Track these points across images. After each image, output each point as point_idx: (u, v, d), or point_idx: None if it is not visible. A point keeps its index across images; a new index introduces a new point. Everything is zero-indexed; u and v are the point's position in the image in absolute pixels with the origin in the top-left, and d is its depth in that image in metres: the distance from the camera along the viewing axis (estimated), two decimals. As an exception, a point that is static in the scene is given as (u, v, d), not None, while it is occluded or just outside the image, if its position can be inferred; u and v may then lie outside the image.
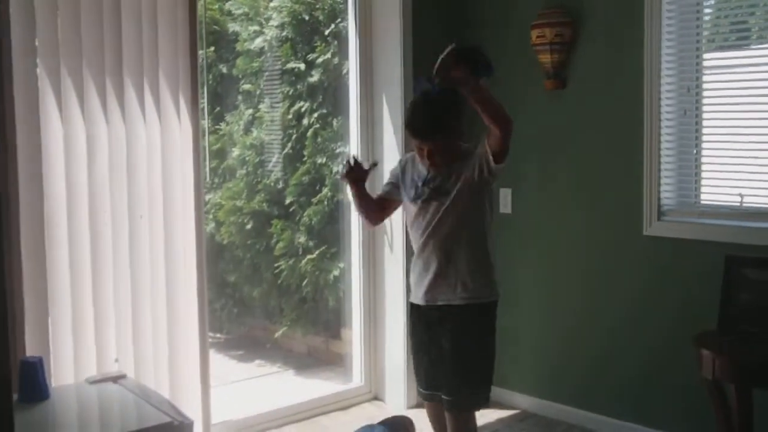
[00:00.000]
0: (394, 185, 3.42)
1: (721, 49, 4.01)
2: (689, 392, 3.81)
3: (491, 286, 3.27)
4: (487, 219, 3.23)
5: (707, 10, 4.00)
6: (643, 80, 3.99)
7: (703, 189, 3.99)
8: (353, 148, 4.75)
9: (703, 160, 3.99)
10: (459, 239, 3.18)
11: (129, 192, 3.59)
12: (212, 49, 5.79)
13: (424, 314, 3.33)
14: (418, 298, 3.34)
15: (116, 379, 3.03)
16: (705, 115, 3.96)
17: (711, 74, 3.95)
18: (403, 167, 3.40)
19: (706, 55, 3.96)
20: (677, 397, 3.97)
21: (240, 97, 5.89)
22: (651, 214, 4.03)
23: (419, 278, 3.31)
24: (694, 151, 4.01)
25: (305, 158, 5.56)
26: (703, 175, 3.99)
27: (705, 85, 3.94)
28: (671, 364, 3.97)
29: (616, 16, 4.13)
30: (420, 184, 3.25)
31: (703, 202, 3.98)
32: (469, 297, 3.20)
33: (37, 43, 3.33)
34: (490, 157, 3.07)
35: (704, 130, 3.97)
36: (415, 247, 3.32)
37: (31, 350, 3.24)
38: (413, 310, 3.41)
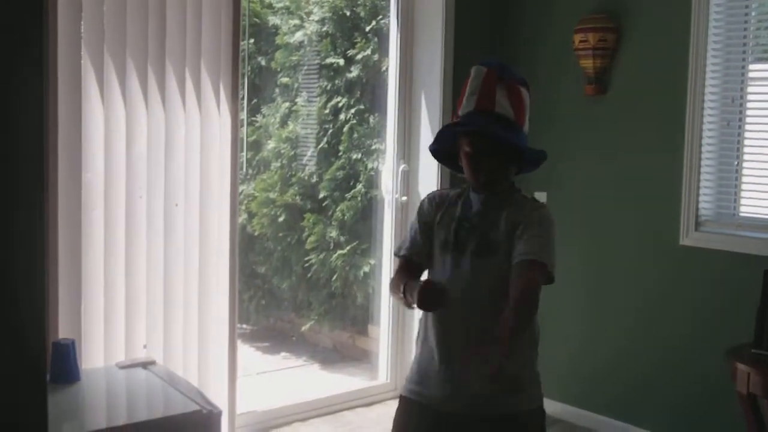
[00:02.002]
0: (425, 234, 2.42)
1: (765, 60, 3.95)
2: (726, 405, 3.75)
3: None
4: None
5: (754, 21, 3.94)
6: (686, 89, 3.94)
7: (742, 201, 3.94)
8: (389, 145, 4.74)
9: (744, 171, 3.93)
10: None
11: (166, 179, 3.61)
12: (252, 41, 5.81)
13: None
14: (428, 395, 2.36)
15: (146, 364, 3.05)
16: (747, 127, 3.90)
17: (756, 85, 3.89)
18: (436, 204, 2.44)
19: (751, 66, 3.90)
20: (714, 410, 3.92)
21: (277, 90, 5.91)
22: (689, 224, 3.98)
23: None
24: (735, 163, 3.95)
25: (340, 153, 5.56)
26: (743, 187, 3.94)
27: (749, 96, 3.89)
28: (708, 376, 3.92)
29: (661, 24, 4.08)
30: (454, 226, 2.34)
31: (741, 214, 3.92)
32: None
33: (83, 29, 3.35)
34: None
35: (746, 142, 3.92)
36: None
37: (63, 333, 3.27)
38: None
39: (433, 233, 2.39)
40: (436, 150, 2.45)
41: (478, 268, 2.28)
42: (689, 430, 4.01)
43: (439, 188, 4.54)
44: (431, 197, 2.47)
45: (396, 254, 2.52)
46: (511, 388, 2.23)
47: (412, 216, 4.89)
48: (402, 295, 2.29)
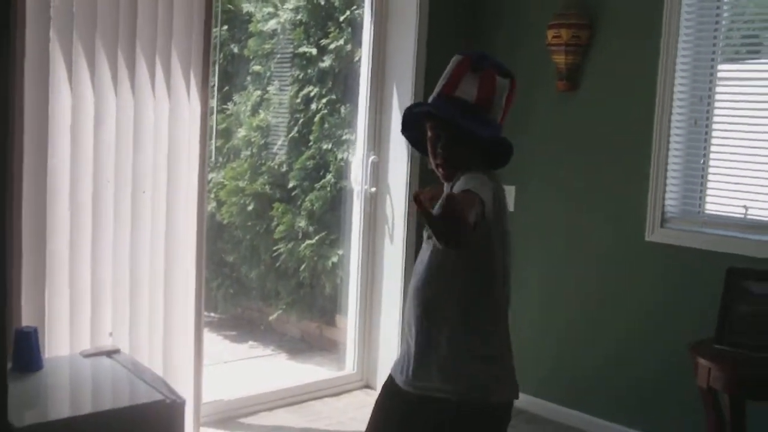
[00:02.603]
0: None
1: (734, 61, 3.99)
2: (686, 399, 3.80)
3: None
4: (475, 285, 2.26)
5: (725, 22, 3.98)
6: (656, 87, 3.98)
7: (708, 199, 3.99)
8: (360, 136, 4.73)
9: (710, 170, 3.98)
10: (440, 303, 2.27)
11: (134, 165, 3.57)
12: (225, 28, 5.77)
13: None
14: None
15: (110, 353, 3.03)
16: (715, 126, 3.95)
17: (724, 86, 3.94)
18: None
19: (720, 66, 3.94)
20: (674, 404, 3.97)
21: (249, 78, 5.88)
22: (654, 220, 4.03)
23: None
24: (702, 161, 4.00)
25: (311, 143, 5.55)
26: (709, 185, 3.99)
27: (717, 96, 3.93)
28: (669, 371, 3.97)
29: (633, 22, 4.11)
30: None
31: (707, 212, 3.98)
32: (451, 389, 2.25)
33: (51, 12, 3.30)
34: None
35: (713, 141, 3.97)
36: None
37: (26, 320, 3.23)
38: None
39: None
40: (410, 137, 2.44)
41: (426, 252, 2.29)
42: (649, 421, 4.05)
43: (407, 180, 4.56)
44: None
45: None
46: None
47: (381, 207, 4.91)
48: None
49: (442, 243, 1.85)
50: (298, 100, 5.62)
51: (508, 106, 2.29)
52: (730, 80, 3.94)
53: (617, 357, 4.20)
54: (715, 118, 3.94)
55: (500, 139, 2.26)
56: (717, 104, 3.93)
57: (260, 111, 5.82)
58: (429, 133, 2.29)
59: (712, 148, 3.97)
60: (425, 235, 2.30)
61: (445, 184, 2.33)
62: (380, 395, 2.44)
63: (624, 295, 4.18)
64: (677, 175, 4.01)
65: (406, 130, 2.42)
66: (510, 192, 4.57)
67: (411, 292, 2.32)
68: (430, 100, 2.31)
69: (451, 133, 2.22)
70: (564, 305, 4.44)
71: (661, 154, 3.99)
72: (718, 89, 3.93)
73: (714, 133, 3.96)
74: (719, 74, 3.93)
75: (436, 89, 2.28)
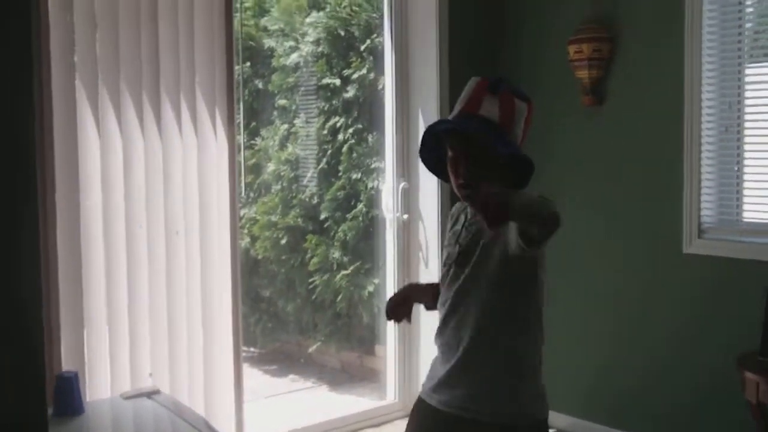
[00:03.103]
0: None
1: (762, 63, 3.93)
2: (729, 413, 3.72)
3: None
4: (531, 304, 2.26)
5: (749, 24, 3.93)
6: (683, 96, 3.93)
7: (745, 207, 3.91)
8: (389, 163, 4.73)
9: (745, 177, 3.91)
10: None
11: (165, 207, 3.60)
12: (248, 64, 5.82)
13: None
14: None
15: (150, 394, 3.02)
16: (747, 131, 3.88)
17: (753, 89, 3.88)
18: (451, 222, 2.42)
19: (748, 69, 3.88)
20: (717, 418, 3.88)
21: (275, 113, 5.92)
22: (691, 232, 3.96)
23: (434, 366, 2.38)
24: (736, 168, 3.94)
25: (340, 173, 5.55)
26: (745, 192, 3.92)
27: (747, 101, 3.87)
28: (711, 384, 3.89)
29: (655, 31, 4.08)
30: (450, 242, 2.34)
31: (745, 220, 3.90)
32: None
33: (75, 58, 3.36)
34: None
35: (746, 147, 3.90)
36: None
37: (66, 365, 3.25)
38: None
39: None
40: (427, 158, 2.39)
41: (467, 278, 2.24)
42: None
43: (439, 205, 4.54)
44: (451, 214, 2.43)
45: None
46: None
47: (414, 233, 4.88)
48: None
49: (538, 242, 2.02)
50: (325, 132, 5.64)
51: (526, 130, 2.26)
52: (759, 83, 3.88)
53: (658, 373, 4.12)
54: (747, 123, 3.88)
55: (525, 157, 2.23)
56: (747, 108, 3.87)
57: (288, 144, 5.85)
58: (450, 153, 2.23)
59: (746, 154, 3.90)
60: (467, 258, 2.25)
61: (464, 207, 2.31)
62: (418, 420, 2.38)
63: (664, 309, 4.11)
64: (712, 184, 3.95)
65: (425, 150, 2.38)
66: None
67: (461, 315, 2.25)
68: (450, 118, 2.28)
69: (475, 152, 2.18)
70: (602, 323, 4.37)
71: (693, 163, 3.93)
72: (747, 93, 3.87)
73: (746, 139, 3.89)
74: (747, 78, 3.87)
75: (456, 109, 2.25)
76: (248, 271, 5.62)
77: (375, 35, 5.21)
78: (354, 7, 5.49)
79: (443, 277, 2.34)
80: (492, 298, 2.20)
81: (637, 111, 4.17)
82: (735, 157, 3.93)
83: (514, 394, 2.21)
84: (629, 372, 4.26)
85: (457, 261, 2.27)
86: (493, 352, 2.20)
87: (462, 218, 2.34)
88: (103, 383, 3.44)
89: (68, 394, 2.75)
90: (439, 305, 2.34)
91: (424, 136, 2.35)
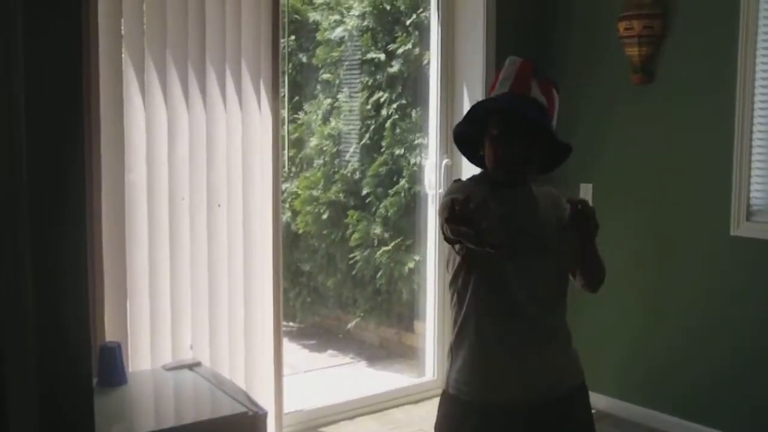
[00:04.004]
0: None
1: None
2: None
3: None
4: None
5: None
6: (736, 75, 3.83)
7: (796, 190, 3.82)
8: (432, 139, 4.69)
9: (798, 159, 3.82)
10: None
11: (208, 179, 3.60)
12: (293, 38, 5.80)
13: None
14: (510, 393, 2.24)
15: (192, 366, 3.05)
16: (802, 113, 3.79)
17: (810, 69, 3.77)
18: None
19: (805, 49, 3.78)
20: (762, 402, 3.82)
21: (319, 87, 5.90)
22: (740, 214, 3.88)
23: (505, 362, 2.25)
24: (789, 150, 3.84)
25: (383, 149, 5.53)
26: (797, 175, 3.83)
27: (803, 81, 3.77)
28: (756, 368, 3.82)
29: (709, 8, 3.97)
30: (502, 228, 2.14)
31: (796, 203, 3.82)
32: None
33: (123, 30, 3.36)
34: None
35: (800, 129, 3.80)
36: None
37: (109, 336, 3.29)
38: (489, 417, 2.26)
39: None
40: (462, 132, 2.31)
41: (540, 269, 2.23)
42: (737, 420, 3.91)
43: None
44: (455, 199, 2.04)
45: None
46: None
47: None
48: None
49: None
50: (369, 107, 5.61)
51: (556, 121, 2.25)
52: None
53: (703, 354, 4.06)
54: (801, 105, 3.78)
55: (570, 146, 2.22)
56: (802, 90, 3.77)
57: (331, 119, 5.83)
58: (495, 131, 2.17)
59: (799, 136, 3.81)
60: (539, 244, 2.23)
61: (507, 190, 2.24)
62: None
63: (710, 291, 4.04)
64: (762, 165, 3.85)
65: (463, 124, 2.30)
66: (587, 189, 4.47)
67: (537, 305, 2.22)
68: (495, 95, 2.23)
69: (527, 132, 2.15)
70: (649, 304, 4.31)
71: (744, 143, 3.84)
72: (803, 74, 3.77)
73: (800, 121, 3.79)
74: (804, 58, 3.77)
75: (502, 86, 2.20)
76: (288, 246, 5.63)
77: (421, 10, 5.16)
78: (400, -18, 5.44)
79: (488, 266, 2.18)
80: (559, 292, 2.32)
81: (687, 90, 4.07)
82: (788, 138, 3.83)
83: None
84: (672, 352, 4.21)
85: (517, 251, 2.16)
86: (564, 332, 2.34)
87: (494, 201, 2.17)
88: (144, 355, 3.47)
89: (112, 365, 2.79)
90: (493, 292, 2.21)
91: (473, 112, 2.29)
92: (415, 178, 5.22)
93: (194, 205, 3.57)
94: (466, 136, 2.31)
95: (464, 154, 2.38)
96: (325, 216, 5.75)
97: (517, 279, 2.19)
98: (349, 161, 5.80)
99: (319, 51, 5.76)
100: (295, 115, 5.93)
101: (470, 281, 2.22)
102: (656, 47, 4.13)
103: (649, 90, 4.20)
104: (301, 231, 5.88)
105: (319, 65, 5.82)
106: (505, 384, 2.23)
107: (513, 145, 2.16)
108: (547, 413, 2.22)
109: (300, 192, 5.83)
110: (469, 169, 4.54)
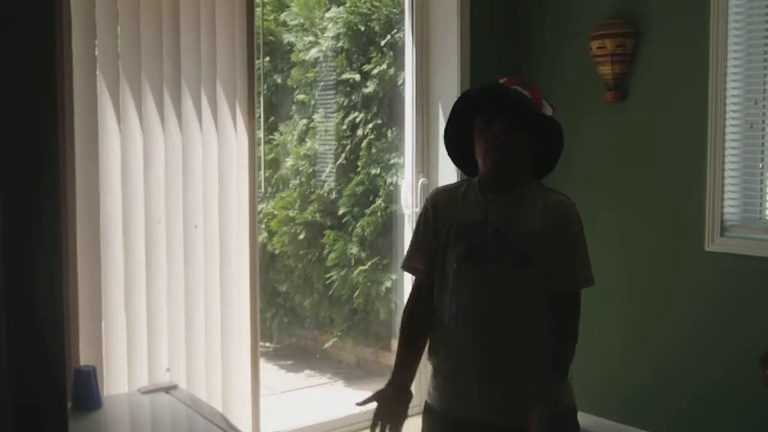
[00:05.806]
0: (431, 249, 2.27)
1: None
2: (752, 412, 3.68)
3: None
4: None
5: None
6: (707, 92, 3.88)
7: (769, 205, 3.87)
8: (408, 159, 4.70)
9: (770, 175, 3.87)
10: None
11: (184, 201, 3.59)
12: (267, 59, 5.80)
13: None
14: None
15: (168, 389, 3.01)
16: (772, 129, 3.84)
17: (779, 86, 3.83)
18: (442, 207, 2.32)
19: (774, 67, 3.83)
20: (738, 418, 3.84)
21: (294, 108, 5.90)
22: (714, 229, 3.92)
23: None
24: (760, 165, 3.88)
25: (359, 169, 5.53)
26: (770, 190, 3.87)
27: (772, 98, 3.82)
28: (733, 384, 3.85)
29: (680, 27, 4.03)
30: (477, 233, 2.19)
31: (769, 218, 3.86)
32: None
33: (97, 52, 3.35)
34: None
35: (771, 144, 3.85)
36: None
37: (84, 359, 3.25)
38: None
39: (449, 242, 2.23)
40: (450, 137, 2.32)
41: (512, 280, 2.17)
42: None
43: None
44: (435, 202, 2.32)
45: (406, 268, 2.44)
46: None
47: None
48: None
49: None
50: (344, 127, 5.62)
51: None
52: (785, 81, 3.84)
53: (680, 371, 4.08)
54: (772, 121, 3.83)
55: (559, 128, 2.33)
56: (772, 106, 3.82)
57: (307, 139, 5.83)
58: (480, 122, 2.20)
59: (771, 152, 3.86)
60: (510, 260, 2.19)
61: (494, 195, 2.28)
62: None
63: (685, 307, 4.07)
64: (735, 181, 3.90)
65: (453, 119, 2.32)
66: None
67: (508, 327, 2.21)
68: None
69: (518, 125, 2.20)
70: (622, 320, 4.33)
71: (717, 160, 3.88)
72: (773, 91, 3.82)
73: (771, 136, 3.85)
74: (773, 75, 3.82)
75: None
76: (265, 266, 5.61)
77: (395, 30, 5.19)
78: (374, 2, 5.46)
79: (457, 273, 2.22)
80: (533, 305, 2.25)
81: (660, 107, 4.12)
82: (759, 154, 3.88)
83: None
84: (648, 369, 4.23)
85: (489, 259, 2.18)
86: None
87: (476, 206, 2.25)
88: (120, 378, 3.43)
89: (87, 389, 2.75)
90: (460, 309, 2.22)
91: (457, 107, 2.31)
92: (392, 197, 5.23)
93: (171, 226, 3.55)
94: (459, 152, 2.34)
95: (456, 163, 2.41)
96: (301, 236, 5.74)
97: (483, 289, 2.17)
98: (325, 181, 5.80)
99: (293, 72, 5.77)
100: (271, 136, 5.92)
101: (438, 289, 2.25)
102: (629, 65, 4.18)
103: (623, 107, 4.25)
104: (277, 251, 5.86)
105: (294, 86, 5.83)
106: (465, 402, 2.26)
107: (495, 124, 2.16)
108: None
109: (276, 212, 5.82)
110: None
